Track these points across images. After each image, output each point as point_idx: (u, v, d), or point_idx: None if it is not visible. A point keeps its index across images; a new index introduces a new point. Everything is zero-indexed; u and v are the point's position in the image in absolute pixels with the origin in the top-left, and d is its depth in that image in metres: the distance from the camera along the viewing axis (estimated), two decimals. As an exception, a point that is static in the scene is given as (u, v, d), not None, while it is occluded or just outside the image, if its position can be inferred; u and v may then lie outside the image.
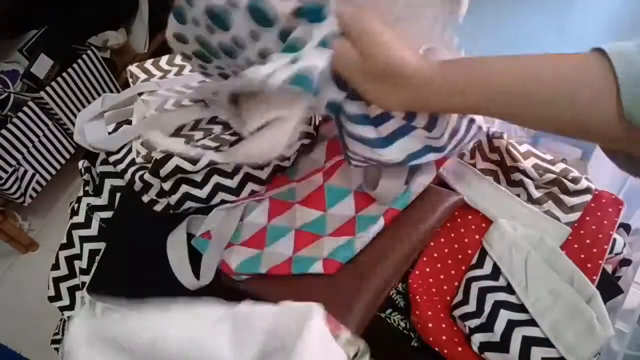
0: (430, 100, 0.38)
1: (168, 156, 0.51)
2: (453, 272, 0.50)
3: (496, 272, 0.48)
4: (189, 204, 0.55)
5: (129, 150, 0.58)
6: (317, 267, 0.47)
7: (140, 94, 0.63)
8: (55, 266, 0.62)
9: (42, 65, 1.59)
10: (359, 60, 0.37)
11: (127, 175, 0.57)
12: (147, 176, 0.54)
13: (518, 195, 0.53)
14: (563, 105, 0.35)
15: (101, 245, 0.60)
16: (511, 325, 0.44)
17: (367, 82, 0.38)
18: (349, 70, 0.38)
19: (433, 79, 0.37)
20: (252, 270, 0.49)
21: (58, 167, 1.69)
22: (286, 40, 0.38)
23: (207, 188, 0.54)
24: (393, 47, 0.37)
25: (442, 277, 0.50)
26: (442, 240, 0.52)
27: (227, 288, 0.50)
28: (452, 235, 0.52)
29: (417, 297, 0.47)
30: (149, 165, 0.55)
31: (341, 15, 0.37)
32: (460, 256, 0.51)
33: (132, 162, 0.57)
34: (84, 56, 1.66)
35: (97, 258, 0.59)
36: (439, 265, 0.50)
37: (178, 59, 0.72)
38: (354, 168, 0.50)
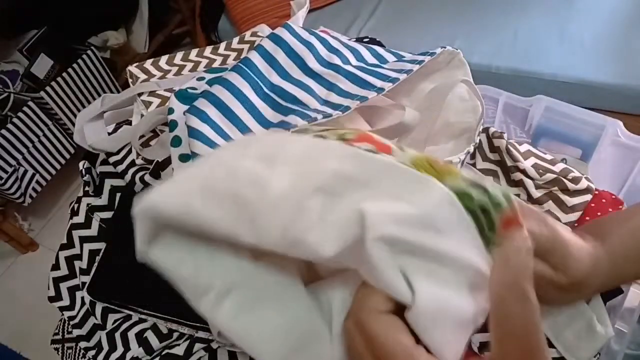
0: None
1: (169, 158, 0.51)
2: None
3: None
4: (189, 204, 0.55)
5: (129, 151, 0.58)
6: None
7: (140, 94, 0.63)
8: (55, 266, 0.62)
9: (42, 65, 1.59)
10: (552, 273, 0.33)
11: (128, 177, 0.57)
12: (147, 178, 0.54)
13: (518, 195, 0.53)
14: None
15: (101, 245, 0.60)
16: (511, 325, 0.44)
17: (556, 293, 0.35)
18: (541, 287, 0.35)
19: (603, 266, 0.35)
20: None
21: (58, 167, 1.69)
22: None
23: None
24: (582, 257, 0.34)
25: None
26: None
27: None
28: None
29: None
30: (149, 167, 0.55)
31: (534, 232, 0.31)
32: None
33: (132, 163, 0.57)
34: (84, 56, 1.66)
35: (97, 258, 0.59)
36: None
37: (178, 59, 0.72)
38: None
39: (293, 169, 0.24)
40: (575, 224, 0.51)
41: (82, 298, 0.60)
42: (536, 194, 0.53)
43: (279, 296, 0.26)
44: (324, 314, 0.25)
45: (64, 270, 0.62)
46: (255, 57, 0.51)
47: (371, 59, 0.56)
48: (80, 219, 0.62)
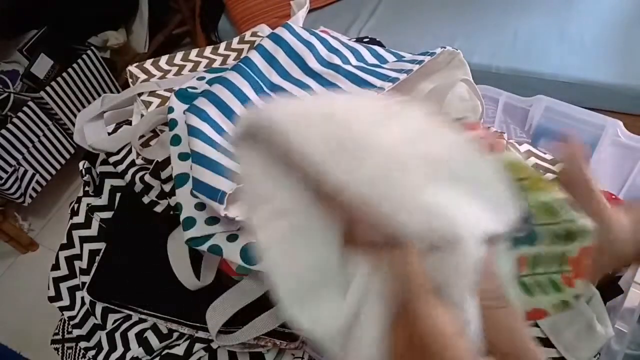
0: None
1: (169, 158, 0.51)
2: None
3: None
4: (189, 204, 0.54)
5: (129, 151, 0.58)
6: None
7: (140, 94, 0.63)
8: (55, 266, 0.62)
9: (42, 65, 1.59)
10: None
11: (127, 177, 0.57)
12: (147, 178, 0.54)
13: (518, 195, 0.53)
14: None
15: (101, 245, 0.60)
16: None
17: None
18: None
19: None
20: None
21: (58, 167, 1.69)
22: None
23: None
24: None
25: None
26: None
27: (227, 288, 0.50)
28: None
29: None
30: (149, 167, 0.55)
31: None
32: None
33: (132, 163, 0.57)
34: (84, 56, 1.66)
35: (97, 258, 0.59)
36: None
37: (178, 59, 0.72)
38: None
39: (408, 130, 0.24)
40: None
41: (82, 298, 0.60)
42: (536, 193, 0.53)
43: (315, 241, 0.27)
44: (345, 277, 0.26)
45: (64, 270, 0.62)
46: (256, 57, 0.51)
47: (371, 59, 0.56)
48: (80, 219, 0.62)
